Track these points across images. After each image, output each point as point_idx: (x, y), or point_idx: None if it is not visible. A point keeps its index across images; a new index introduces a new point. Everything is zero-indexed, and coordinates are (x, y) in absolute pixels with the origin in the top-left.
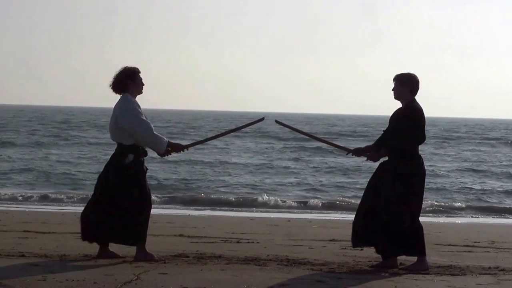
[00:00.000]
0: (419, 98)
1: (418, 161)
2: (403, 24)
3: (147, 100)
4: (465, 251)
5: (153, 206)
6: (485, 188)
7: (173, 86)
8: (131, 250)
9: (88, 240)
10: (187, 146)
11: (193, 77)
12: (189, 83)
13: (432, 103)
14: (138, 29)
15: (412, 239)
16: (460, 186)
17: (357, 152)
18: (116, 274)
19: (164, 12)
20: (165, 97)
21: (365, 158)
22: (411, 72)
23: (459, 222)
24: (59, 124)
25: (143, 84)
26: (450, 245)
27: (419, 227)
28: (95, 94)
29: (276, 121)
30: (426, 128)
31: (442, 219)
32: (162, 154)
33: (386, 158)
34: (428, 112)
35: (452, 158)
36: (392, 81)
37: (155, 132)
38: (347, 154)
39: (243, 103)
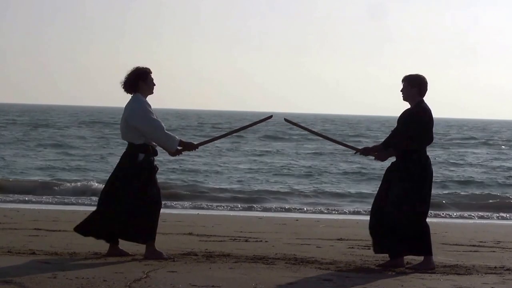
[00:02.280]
0: (427, 99)
1: (425, 162)
2: (411, 25)
3: (157, 100)
4: (471, 251)
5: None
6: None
7: (182, 85)
8: (140, 248)
9: (90, 235)
10: (198, 145)
11: (203, 77)
12: (198, 83)
13: (440, 104)
14: (148, 29)
15: (419, 239)
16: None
17: (365, 151)
18: (126, 272)
19: (174, 13)
20: (174, 96)
21: (373, 158)
22: (420, 73)
23: (465, 222)
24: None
25: (154, 85)
26: (456, 244)
27: (426, 227)
28: (105, 93)
29: (285, 120)
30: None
31: (448, 219)
32: (173, 154)
33: (393, 158)
34: (437, 113)
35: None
36: (401, 82)
37: (166, 131)
38: (355, 153)
39: (252, 103)
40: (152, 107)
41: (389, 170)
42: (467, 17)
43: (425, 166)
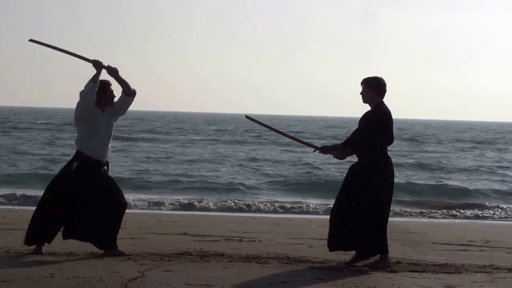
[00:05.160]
0: (423, 100)
1: (386, 162)
2: (401, 29)
3: (151, 102)
4: (460, 250)
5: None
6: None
7: (177, 88)
8: (136, 249)
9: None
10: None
11: (197, 79)
12: (192, 86)
13: (429, 106)
14: (143, 32)
15: (378, 238)
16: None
17: (324, 149)
18: (122, 271)
19: (169, 16)
20: (169, 99)
21: (332, 156)
22: (379, 75)
23: (455, 221)
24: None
25: (114, 96)
26: (446, 244)
27: (384, 226)
28: None
29: (246, 116)
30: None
31: (439, 219)
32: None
33: (355, 159)
34: (428, 115)
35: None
36: (360, 85)
37: (84, 91)
38: (314, 151)
39: (247, 106)
40: (147, 109)
41: (350, 170)
42: (455, 21)
43: (385, 166)
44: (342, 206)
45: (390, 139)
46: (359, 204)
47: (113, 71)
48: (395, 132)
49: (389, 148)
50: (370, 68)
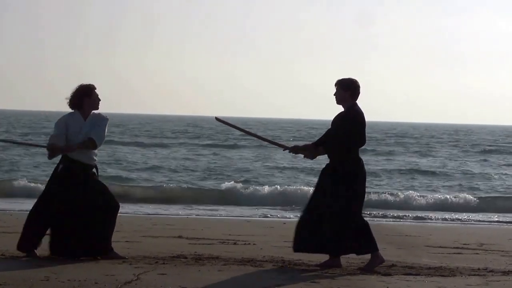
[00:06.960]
0: (421, 103)
1: (358, 163)
2: (398, 32)
3: (150, 106)
4: (455, 253)
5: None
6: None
7: (175, 92)
8: (131, 251)
9: None
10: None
11: (195, 83)
12: (191, 89)
13: (425, 109)
14: (142, 35)
15: (359, 237)
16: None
17: (294, 149)
18: (117, 274)
19: (168, 20)
20: (167, 103)
21: (302, 156)
22: (353, 77)
23: (449, 225)
24: None
25: (100, 100)
26: (440, 247)
27: (364, 225)
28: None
29: (216, 118)
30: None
31: (433, 223)
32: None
33: (326, 160)
34: (421, 118)
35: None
36: (334, 86)
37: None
38: (283, 150)
39: (244, 109)
40: (145, 113)
41: (323, 171)
42: (452, 25)
43: (356, 167)
44: (315, 207)
45: (362, 141)
46: (332, 205)
47: (69, 149)
48: (394, 133)
49: (389, 150)
50: (369, 70)
